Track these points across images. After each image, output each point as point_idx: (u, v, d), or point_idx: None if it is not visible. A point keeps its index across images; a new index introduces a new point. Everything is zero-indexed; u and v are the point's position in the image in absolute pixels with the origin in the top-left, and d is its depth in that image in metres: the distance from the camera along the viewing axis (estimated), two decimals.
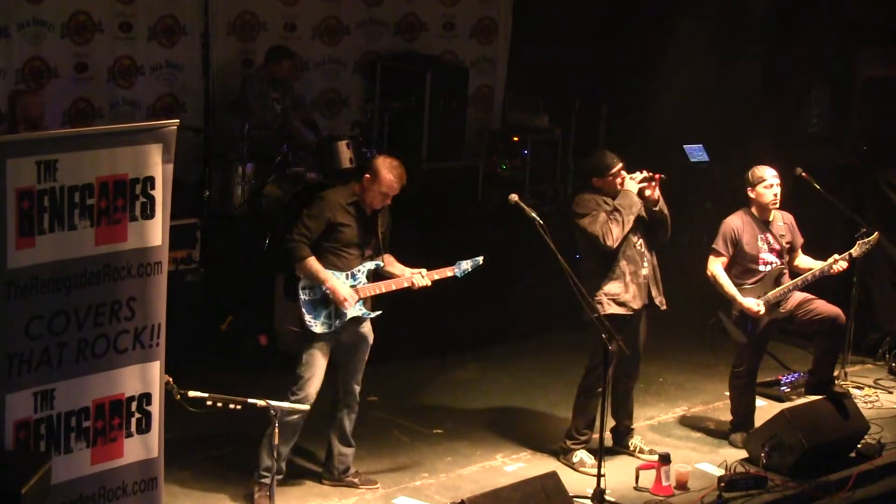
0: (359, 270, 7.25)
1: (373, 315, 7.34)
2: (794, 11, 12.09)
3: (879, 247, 9.06)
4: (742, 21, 12.58)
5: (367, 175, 7.23)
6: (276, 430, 6.37)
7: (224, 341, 9.59)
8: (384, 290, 7.32)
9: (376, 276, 7.35)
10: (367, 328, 7.38)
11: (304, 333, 7.20)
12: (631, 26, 12.78)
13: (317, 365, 7.18)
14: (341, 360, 7.37)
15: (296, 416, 7.05)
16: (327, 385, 7.39)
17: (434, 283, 7.40)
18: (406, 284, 7.35)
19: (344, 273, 7.20)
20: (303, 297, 7.15)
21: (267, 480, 7.08)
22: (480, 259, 7.54)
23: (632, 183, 7.82)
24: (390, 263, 7.44)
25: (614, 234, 7.70)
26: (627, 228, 7.74)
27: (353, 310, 7.21)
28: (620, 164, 7.88)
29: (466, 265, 7.50)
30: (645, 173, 7.85)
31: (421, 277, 7.35)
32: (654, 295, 7.97)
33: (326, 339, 7.20)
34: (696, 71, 12.64)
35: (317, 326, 7.15)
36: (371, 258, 7.31)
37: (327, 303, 7.18)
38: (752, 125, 12.12)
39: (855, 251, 8.60)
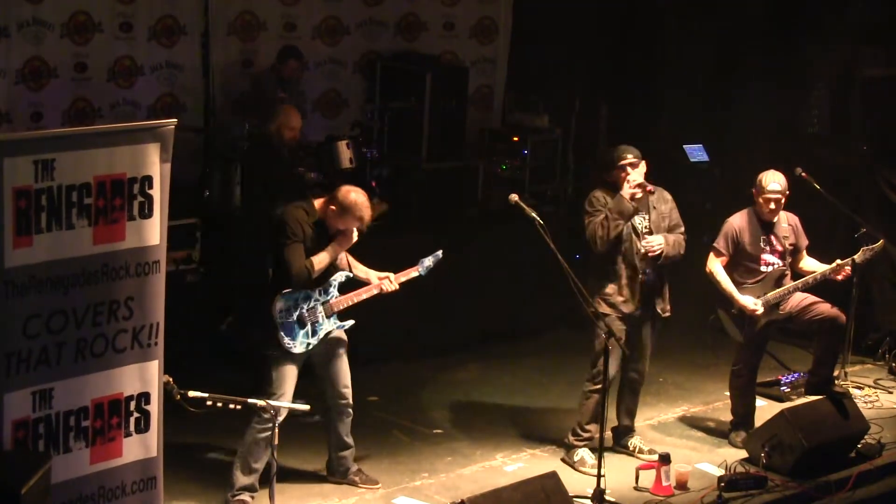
0: (330, 284, 7.23)
1: (346, 326, 7.33)
2: (794, 11, 12.08)
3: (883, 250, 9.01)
4: (742, 20, 12.56)
5: (333, 207, 7.13)
6: (276, 430, 6.37)
7: (224, 341, 9.59)
8: (356, 301, 7.32)
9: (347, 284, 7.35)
10: (338, 333, 7.35)
11: (282, 354, 7.14)
12: (631, 26, 12.76)
13: (287, 383, 7.14)
14: (321, 369, 7.36)
15: (266, 434, 6.90)
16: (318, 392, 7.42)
17: (402, 284, 7.46)
18: (375, 292, 7.38)
19: (317, 290, 7.18)
20: (280, 320, 7.09)
21: (244, 497, 7.12)
22: (440, 252, 7.57)
23: (627, 189, 7.77)
24: (354, 266, 7.46)
25: (598, 241, 7.71)
26: (613, 234, 7.71)
27: (328, 324, 7.22)
28: (628, 159, 7.80)
29: (428, 261, 7.55)
30: (638, 182, 7.79)
31: (389, 283, 7.39)
32: (656, 302, 7.96)
33: (300, 355, 7.18)
34: (696, 70, 12.63)
35: (296, 347, 7.12)
36: (337, 268, 7.28)
37: (303, 323, 7.16)
38: (752, 125, 12.10)
39: (858, 257, 8.60)
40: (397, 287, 7.42)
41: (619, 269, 7.84)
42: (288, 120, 8.77)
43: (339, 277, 7.28)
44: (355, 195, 7.16)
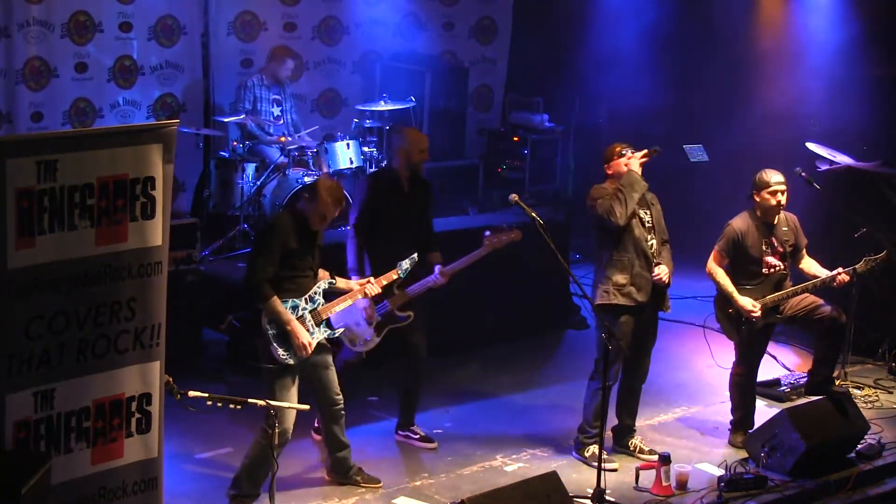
0: (315, 293, 7.24)
1: (337, 334, 7.35)
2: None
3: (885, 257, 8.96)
4: (742, 20, 12.59)
5: (307, 195, 7.18)
6: (276, 431, 6.37)
7: (224, 341, 9.60)
8: (341, 307, 7.37)
9: (329, 292, 7.38)
10: (322, 340, 7.34)
11: (277, 367, 7.14)
12: (631, 27, 12.78)
13: (289, 393, 7.13)
14: (312, 378, 7.35)
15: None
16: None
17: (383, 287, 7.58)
18: (359, 296, 7.47)
19: (303, 298, 7.18)
20: (271, 331, 7.10)
21: (246, 501, 7.13)
22: (415, 255, 7.68)
23: (634, 162, 7.90)
24: (332, 277, 7.49)
25: (617, 212, 7.72)
26: (632, 205, 7.75)
27: (319, 332, 7.22)
28: (624, 146, 7.97)
29: (406, 264, 7.64)
30: (644, 151, 7.97)
31: (371, 286, 7.48)
32: (659, 298, 7.99)
33: (297, 365, 7.18)
34: (696, 70, 12.65)
35: (291, 358, 7.11)
36: (318, 276, 7.31)
37: None
38: (752, 125, 12.13)
39: (860, 267, 8.59)
40: (379, 290, 7.55)
41: (632, 259, 7.84)
42: (417, 142, 8.11)
43: (322, 285, 7.30)
44: (325, 178, 7.28)
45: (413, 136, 8.20)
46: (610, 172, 7.98)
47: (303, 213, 7.18)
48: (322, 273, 7.43)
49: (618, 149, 8.00)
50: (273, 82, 11.18)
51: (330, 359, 7.37)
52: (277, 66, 11.20)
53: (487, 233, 8.03)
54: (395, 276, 7.63)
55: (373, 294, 7.52)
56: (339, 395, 7.40)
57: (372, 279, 7.54)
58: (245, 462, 7.16)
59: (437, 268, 7.88)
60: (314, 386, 7.37)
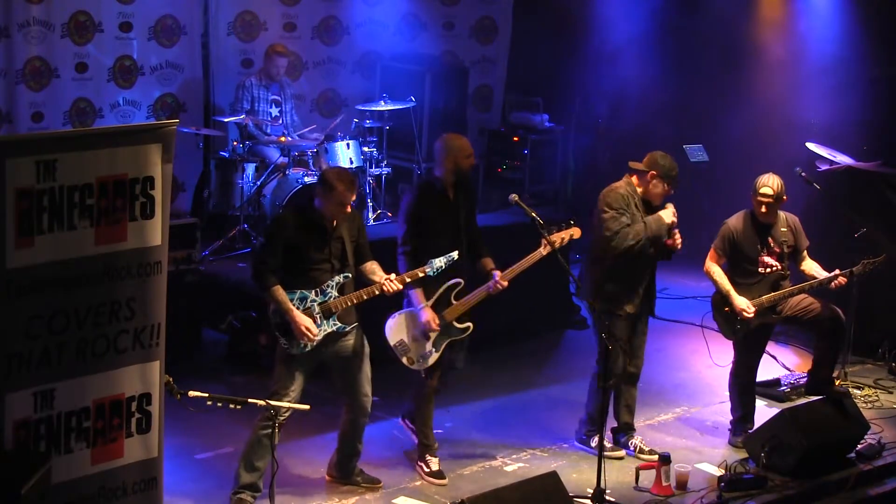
0: (328, 285, 7.18)
1: (348, 328, 7.24)
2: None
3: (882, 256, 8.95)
4: (742, 20, 12.58)
5: (320, 188, 7.16)
6: (277, 430, 6.37)
7: (224, 341, 9.60)
8: (355, 301, 7.23)
9: (354, 285, 7.28)
10: (355, 338, 7.30)
11: (283, 354, 7.15)
12: (632, 26, 12.78)
13: (290, 383, 7.10)
14: (338, 373, 7.34)
15: (267, 431, 6.82)
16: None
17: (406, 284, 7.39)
18: (377, 292, 7.28)
19: (313, 290, 7.15)
20: (274, 320, 7.11)
21: (244, 496, 7.12)
22: (455, 254, 7.44)
23: (668, 213, 7.82)
24: (372, 272, 7.35)
25: (625, 248, 7.68)
26: (638, 247, 7.72)
27: (327, 325, 7.17)
28: (676, 182, 7.90)
29: (440, 262, 7.39)
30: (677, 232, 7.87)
31: (391, 282, 7.27)
32: (650, 302, 8.02)
33: (305, 357, 7.16)
34: (696, 71, 12.64)
35: (293, 348, 7.10)
36: (341, 270, 7.23)
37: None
38: (752, 125, 12.12)
39: (857, 269, 8.58)
40: (400, 287, 7.32)
41: (630, 270, 7.83)
42: (463, 148, 7.76)
43: (337, 279, 7.24)
44: (332, 168, 7.24)
45: (457, 142, 7.86)
46: (643, 177, 7.83)
47: (314, 209, 7.15)
48: (371, 266, 7.33)
49: (675, 174, 7.83)
50: (270, 81, 11.19)
51: (361, 357, 7.30)
52: (270, 63, 11.21)
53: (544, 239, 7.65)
54: (421, 274, 7.38)
55: (392, 290, 7.28)
56: (366, 397, 7.34)
57: (393, 275, 7.34)
58: (243, 453, 7.15)
59: (496, 274, 7.66)
60: (340, 384, 7.36)
